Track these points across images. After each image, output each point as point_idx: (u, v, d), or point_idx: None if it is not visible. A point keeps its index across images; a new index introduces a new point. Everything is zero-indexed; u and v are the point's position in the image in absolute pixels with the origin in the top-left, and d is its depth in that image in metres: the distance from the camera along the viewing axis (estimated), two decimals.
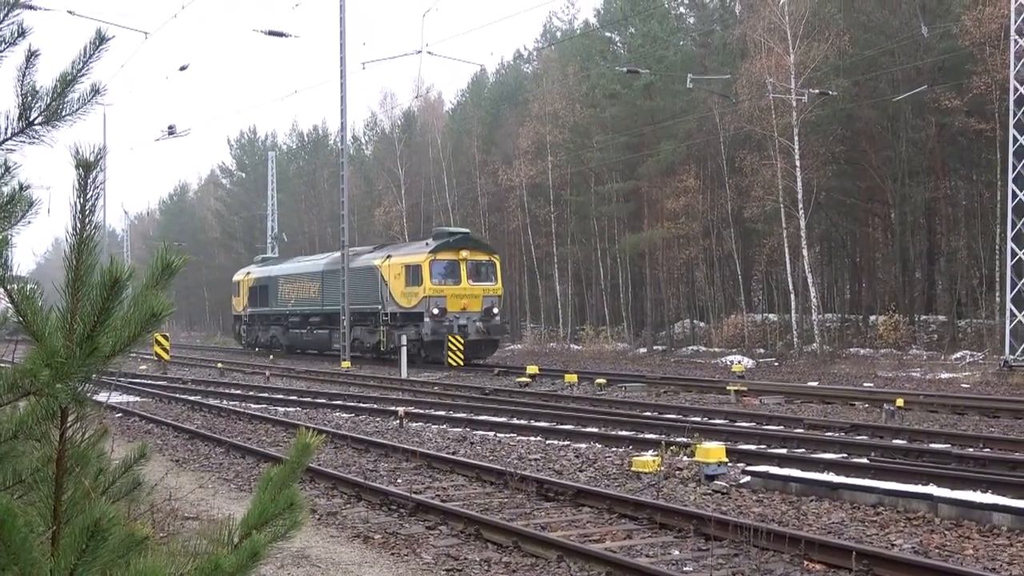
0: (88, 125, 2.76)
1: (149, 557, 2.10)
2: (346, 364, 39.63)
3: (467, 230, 43.32)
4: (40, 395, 2.19)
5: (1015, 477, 12.25)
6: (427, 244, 38.72)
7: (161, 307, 2.17)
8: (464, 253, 37.80)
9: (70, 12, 22.39)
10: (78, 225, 2.25)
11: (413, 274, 37.35)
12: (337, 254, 46.49)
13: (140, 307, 2.19)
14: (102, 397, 23.09)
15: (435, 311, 35.67)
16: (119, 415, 20.87)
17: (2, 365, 2.47)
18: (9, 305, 2.36)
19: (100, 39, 2.73)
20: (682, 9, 58.42)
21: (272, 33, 37.57)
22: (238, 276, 58.42)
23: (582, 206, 54.95)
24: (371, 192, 73.40)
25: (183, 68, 42.40)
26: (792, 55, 39.07)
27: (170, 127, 49.43)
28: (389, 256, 40.16)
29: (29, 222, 2.95)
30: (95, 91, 2.74)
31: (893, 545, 9.23)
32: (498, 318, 38.67)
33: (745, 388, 25.01)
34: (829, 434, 17.09)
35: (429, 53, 50.60)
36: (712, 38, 53.55)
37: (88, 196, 2.26)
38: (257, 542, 2.16)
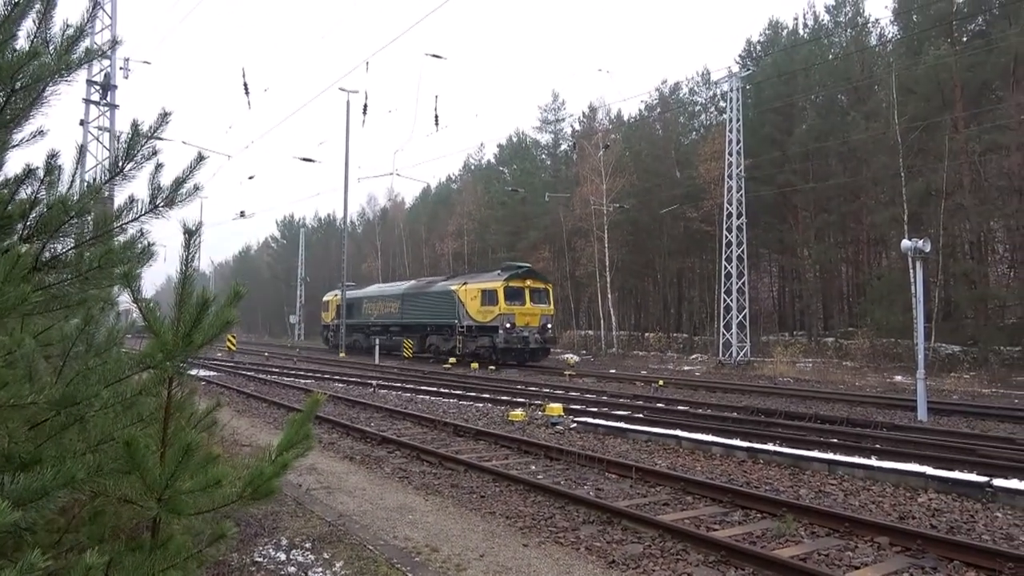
0: (192, 209, 2.70)
1: (220, 467, 2.04)
2: (342, 355, 38.75)
3: (530, 265, 34.49)
4: (156, 368, 2.12)
5: (723, 427, 12.57)
6: (499, 274, 31.17)
7: (232, 318, 2.13)
8: (528, 282, 30.54)
9: (184, 142, 21.89)
10: (184, 267, 2.20)
11: (489, 297, 30.02)
12: (413, 281, 40.42)
13: (220, 317, 2.14)
14: (193, 372, 22.36)
15: (508, 325, 28.87)
16: (203, 383, 20.08)
17: (134, 351, 2.40)
18: (139, 314, 2.31)
19: (199, 158, 2.70)
20: (543, 155, 59.25)
21: (304, 159, 36.98)
22: (327, 297, 48.44)
23: (484, 266, 55.02)
24: (360, 254, 72.59)
25: (251, 177, 41.58)
26: (604, 184, 39.86)
27: (241, 212, 48.41)
28: (465, 283, 32.18)
29: (150, 265, 2.87)
30: (196, 188, 2.70)
31: (656, 463, 9.38)
32: (550, 332, 31.13)
33: (575, 372, 25.20)
34: (621, 400, 17.30)
35: (398, 175, 50.45)
36: (560, 172, 54.37)
37: (190, 251, 2.23)
38: (286, 458, 2.12)
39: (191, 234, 2.21)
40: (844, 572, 5.28)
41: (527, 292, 30.39)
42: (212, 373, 24.60)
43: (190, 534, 2.24)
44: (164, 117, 2.52)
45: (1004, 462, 9.15)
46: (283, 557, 5.33)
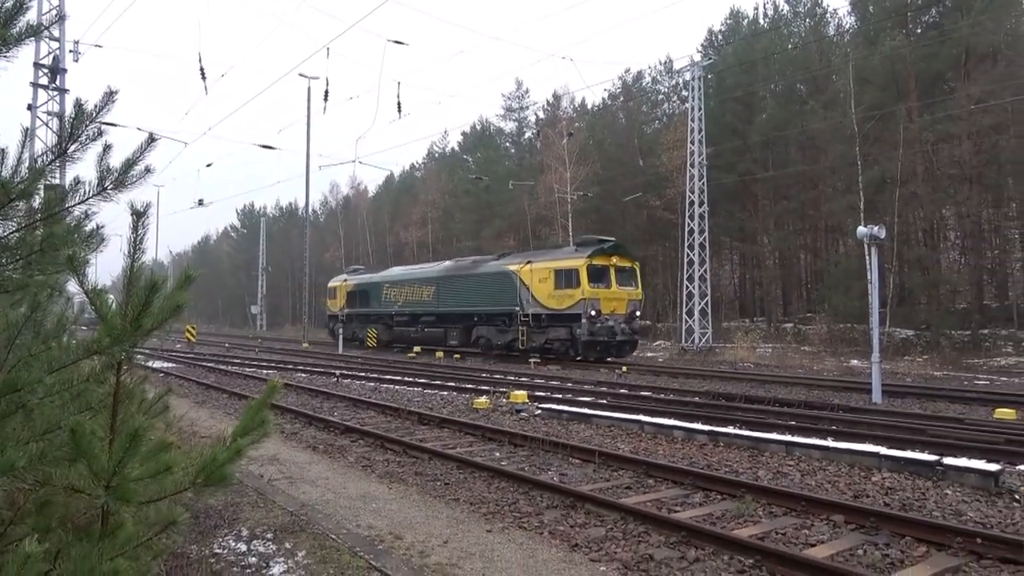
0: (148, 196, 2.63)
1: (172, 454, 2.00)
2: (305, 345, 38.31)
3: (614, 238, 27.73)
4: (104, 354, 2.07)
5: (685, 411, 12.74)
6: (576, 250, 25.75)
7: (183, 301, 2.09)
8: (615, 259, 25.03)
9: (139, 128, 21.33)
10: (132, 250, 2.15)
11: (566, 278, 24.61)
12: (450, 262, 33.56)
13: (170, 301, 2.10)
14: (152, 364, 21.86)
15: (592, 313, 23.72)
16: (162, 375, 19.70)
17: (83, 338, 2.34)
18: (88, 300, 2.25)
19: (150, 139, 2.63)
20: (508, 143, 59.18)
21: (264, 146, 36.37)
22: (334, 283, 40.93)
23: (448, 255, 54.99)
24: (322, 243, 71.78)
25: (209, 165, 40.71)
26: (568, 172, 39.96)
27: (199, 200, 47.52)
28: (529, 261, 26.62)
29: (101, 250, 2.79)
30: (147, 170, 2.63)
31: (620, 448, 9.46)
32: (638, 321, 25.96)
33: (539, 359, 25.22)
34: (585, 386, 17.37)
35: (360, 162, 49.87)
36: (524, 161, 54.37)
37: (139, 232, 2.17)
38: (240, 443, 2.08)
39: (139, 215, 2.15)
40: (801, 550, 5.40)
41: (612, 271, 24.97)
42: (171, 364, 24.15)
43: (144, 524, 2.19)
44: (110, 96, 2.44)
45: (954, 441, 9.46)
46: (244, 548, 5.26)
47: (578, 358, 24.25)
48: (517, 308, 26.40)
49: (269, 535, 5.54)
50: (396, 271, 36.96)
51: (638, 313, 25.81)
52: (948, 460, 7.70)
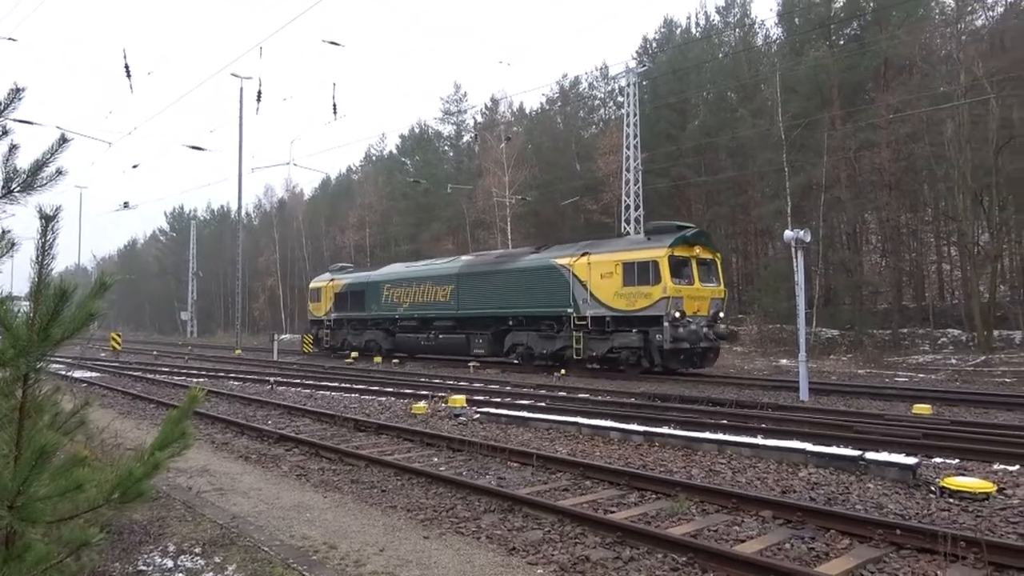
0: (67, 198, 2.50)
1: (84, 470, 1.91)
2: (238, 352, 37.26)
3: (693, 225, 23.85)
4: (8, 366, 1.96)
5: (621, 412, 12.89)
6: (649, 239, 21.15)
7: (96, 310, 1.99)
8: (697, 250, 20.69)
9: (58, 127, 20.38)
10: (40, 256, 2.05)
11: (640, 272, 20.06)
12: (470, 257, 28.84)
13: (83, 309, 2.00)
14: (77, 374, 20.88)
15: (676, 314, 19.30)
16: (84, 385, 18.85)
17: None
18: None
19: (62, 139, 2.52)
20: (446, 147, 58.98)
21: (193, 147, 35.23)
22: (318, 283, 35.33)
23: (386, 259, 54.38)
24: (256, 246, 70.07)
25: (135, 166, 39.30)
26: (507, 176, 40.08)
27: (125, 203, 45.83)
28: (586, 253, 21.85)
29: (11, 256, 2.65)
30: (59, 172, 2.52)
31: (557, 450, 9.51)
32: (722, 324, 21.07)
33: (479, 364, 25.16)
34: (524, 390, 17.36)
35: (295, 165, 48.93)
36: (463, 164, 54.30)
37: (48, 238, 2.07)
38: (158, 457, 2.00)
39: (48, 220, 2.05)
40: (731, 546, 5.53)
41: (694, 264, 20.70)
42: (95, 374, 23.16)
43: (59, 543, 2.08)
44: (16, 93, 2.33)
45: (875, 436, 9.86)
46: (170, 564, 5.07)
47: (656, 370, 20.37)
48: (569, 310, 22.00)
49: (197, 549, 5.35)
50: (398, 268, 31.48)
51: (722, 314, 21.34)
52: (870, 455, 8.01)
